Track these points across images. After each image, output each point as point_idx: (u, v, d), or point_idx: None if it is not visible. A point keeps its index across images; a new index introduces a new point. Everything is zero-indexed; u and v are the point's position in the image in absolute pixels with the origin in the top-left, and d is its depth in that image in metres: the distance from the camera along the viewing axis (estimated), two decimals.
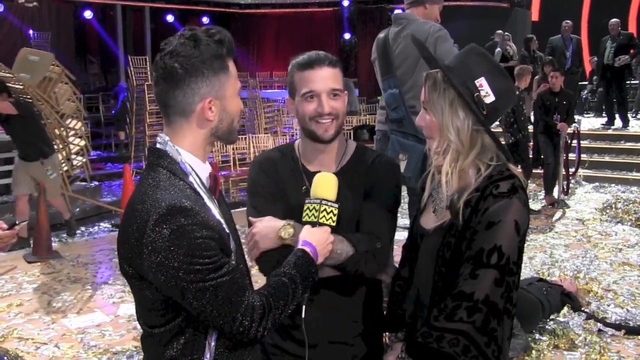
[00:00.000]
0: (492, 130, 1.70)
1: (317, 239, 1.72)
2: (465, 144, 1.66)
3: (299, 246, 1.69)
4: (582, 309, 4.44)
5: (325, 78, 1.93)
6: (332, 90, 1.94)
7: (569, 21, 12.07)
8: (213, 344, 1.53)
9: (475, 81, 1.66)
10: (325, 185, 1.79)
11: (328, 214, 1.76)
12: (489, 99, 1.66)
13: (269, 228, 1.88)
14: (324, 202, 1.77)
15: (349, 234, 1.89)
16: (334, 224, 1.77)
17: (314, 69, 1.93)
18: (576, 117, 9.34)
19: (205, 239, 1.42)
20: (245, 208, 2.11)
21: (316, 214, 1.76)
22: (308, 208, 1.78)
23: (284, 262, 1.64)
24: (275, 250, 1.87)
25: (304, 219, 1.77)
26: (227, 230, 1.55)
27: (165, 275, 1.41)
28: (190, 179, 1.52)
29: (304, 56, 1.97)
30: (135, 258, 1.46)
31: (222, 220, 1.54)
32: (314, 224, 1.76)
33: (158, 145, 1.55)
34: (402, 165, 3.75)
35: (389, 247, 2.00)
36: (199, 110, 1.52)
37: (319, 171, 1.99)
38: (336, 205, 1.78)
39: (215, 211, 1.53)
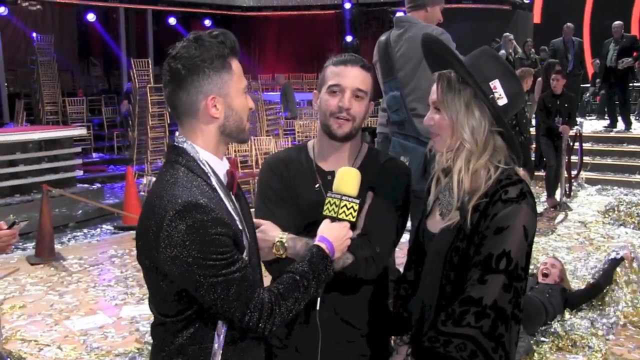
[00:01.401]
0: None
1: (335, 235, 1.73)
2: (479, 144, 1.67)
3: (316, 241, 1.71)
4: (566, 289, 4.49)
5: (354, 76, 1.97)
6: (357, 90, 1.97)
7: (570, 24, 12.08)
8: (222, 336, 1.58)
9: (490, 83, 1.66)
10: (347, 180, 1.79)
11: (348, 209, 1.76)
12: (502, 101, 1.66)
13: (263, 242, 1.90)
14: (344, 197, 1.76)
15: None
16: (353, 220, 1.77)
17: (347, 66, 1.98)
18: (578, 119, 9.34)
19: (220, 235, 1.48)
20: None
21: (336, 209, 1.76)
22: (329, 202, 1.78)
23: (299, 258, 1.68)
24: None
25: (324, 213, 1.78)
26: (240, 227, 1.59)
27: (180, 268, 1.47)
28: (208, 176, 1.57)
29: (342, 55, 2.03)
30: (152, 251, 1.52)
31: (236, 217, 1.58)
32: (333, 219, 1.76)
33: (177, 143, 1.61)
34: None
35: (390, 251, 2.00)
36: (203, 108, 1.57)
37: (333, 170, 2.00)
38: (357, 201, 1.77)
39: (231, 208, 1.58)
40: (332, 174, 2.01)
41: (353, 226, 1.80)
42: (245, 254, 1.59)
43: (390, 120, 3.96)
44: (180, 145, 1.60)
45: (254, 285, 1.53)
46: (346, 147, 2.04)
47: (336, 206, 1.76)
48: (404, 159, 3.75)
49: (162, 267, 1.51)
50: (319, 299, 1.83)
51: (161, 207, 1.49)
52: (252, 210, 2.06)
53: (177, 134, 1.63)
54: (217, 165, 1.62)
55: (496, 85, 1.66)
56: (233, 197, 1.65)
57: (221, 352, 1.58)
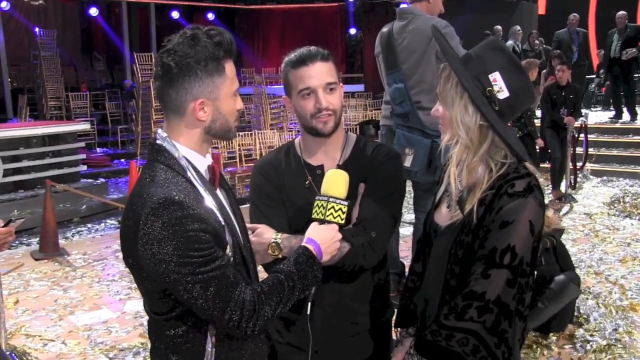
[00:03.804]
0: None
1: (323, 237, 1.72)
2: (474, 139, 1.64)
3: (303, 243, 1.69)
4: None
5: (319, 73, 1.93)
6: (328, 85, 1.94)
7: (576, 14, 11.99)
8: (214, 332, 1.56)
9: (489, 75, 1.62)
10: (334, 182, 1.78)
11: (336, 211, 1.74)
12: (503, 94, 1.62)
13: (258, 245, 1.89)
14: (331, 199, 1.75)
15: (342, 229, 1.87)
16: (342, 222, 1.76)
17: (307, 65, 1.93)
18: (583, 110, 9.28)
19: (198, 231, 1.44)
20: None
21: (324, 212, 1.75)
22: (317, 205, 1.77)
23: (286, 259, 1.66)
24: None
25: (312, 216, 1.77)
26: (224, 223, 1.56)
27: (158, 266, 1.44)
28: (188, 173, 1.54)
29: (295, 53, 1.97)
30: (133, 250, 1.50)
31: (218, 213, 1.55)
32: (321, 222, 1.75)
33: (157, 141, 1.59)
34: (409, 160, 3.73)
35: (387, 234, 1.98)
36: (190, 110, 1.55)
37: (322, 164, 2.00)
38: (345, 203, 1.76)
39: (212, 204, 1.55)
40: (321, 168, 2.00)
41: (342, 228, 1.78)
42: (228, 249, 1.55)
43: (394, 113, 3.94)
44: (159, 143, 1.57)
45: (235, 284, 1.49)
46: (332, 140, 2.02)
47: (324, 208, 1.75)
48: (409, 152, 3.74)
49: (142, 265, 1.49)
50: (309, 303, 1.82)
51: (139, 206, 1.47)
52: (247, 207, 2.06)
53: (159, 130, 1.61)
54: (199, 162, 1.60)
55: (496, 77, 1.62)
56: (218, 192, 1.62)
57: (214, 350, 1.56)
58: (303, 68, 1.93)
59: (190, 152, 1.58)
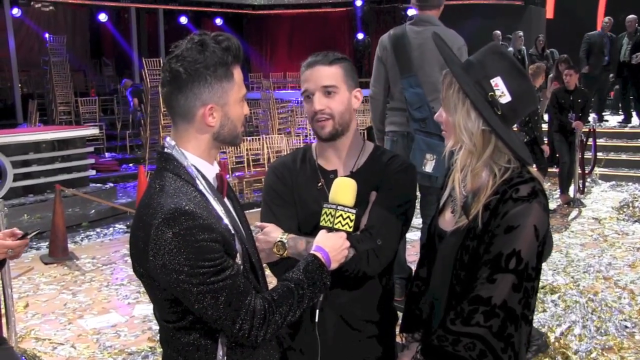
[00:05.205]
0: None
1: (331, 245, 1.72)
2: (477, 144, 1.64)
3: (312, 251, 1.70)
4: None
5: (319, 76, 1.96)
6: (325, 88, 1.95)
7: (610, 18, 11.85)
8: (226, 339, 1.56)
9: (491, 80, 1.63)
10: (342, 190, 1.78)
11: (344, 219, 1.75)
12: (505, 99, 1.62)
13: (265, 243, 1.91)
14: (339, 207, 1.75)
15: (349, 235, 1.87)
16: (350, 230, 1.76)
17: (311, 68, 1.97)
18: (591, 115, 9.21)
19: (208, 241, 1.44)
20: (260, 209, 2.12)
21: (332, 220, 1.75)
22: (325, 213, 1.77)
23: (295, 267, 1.66)
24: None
25: (320, 224, 1.77)
26: (233, 231, 1.56)
27: (169, 277, 1.44)
28: (197, 181, 1.54)
29: (311, 57, 2.01)
30: (143, 260, 1.50)
31: (227, 221, 1.55)
32: (329, 229, 1.76)
33: (165, 150, 1.58)
34: (430, 165, 3.72)
35: (393, 244, 1.97)
36: (199, 116, 1.55)
37: (335, 169, 2.01)
38: (353, 211, 1.76)
39: (221, 212, 1.56)
40: (335, 173, 2.02)
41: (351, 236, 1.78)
42: (238, 258, 1.56)
43: (411, 117, 3.92)
44: (168, 151, 1.57)
45: (245, 293, 1.50)
46: (344, 145, 2.03)
47: (332, 216, 1.75)
48: (430, 157, 3.72)
49: (153, 275, 1.49)
50: (317, 310, 1.82)
51: (149, 216, 1.47)
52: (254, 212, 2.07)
53: (167, 138, 1.60)
54: (207, 170, 1.60)
55: (498, 82, 1.62)
56: (225, 200, 1.63)
57: (226, 358, 1.56)
58: (307, 71, 1.98)
59: (199, 160, 1.58)
